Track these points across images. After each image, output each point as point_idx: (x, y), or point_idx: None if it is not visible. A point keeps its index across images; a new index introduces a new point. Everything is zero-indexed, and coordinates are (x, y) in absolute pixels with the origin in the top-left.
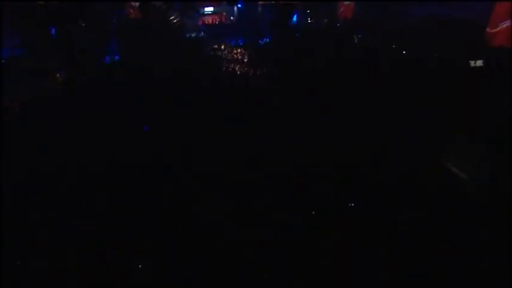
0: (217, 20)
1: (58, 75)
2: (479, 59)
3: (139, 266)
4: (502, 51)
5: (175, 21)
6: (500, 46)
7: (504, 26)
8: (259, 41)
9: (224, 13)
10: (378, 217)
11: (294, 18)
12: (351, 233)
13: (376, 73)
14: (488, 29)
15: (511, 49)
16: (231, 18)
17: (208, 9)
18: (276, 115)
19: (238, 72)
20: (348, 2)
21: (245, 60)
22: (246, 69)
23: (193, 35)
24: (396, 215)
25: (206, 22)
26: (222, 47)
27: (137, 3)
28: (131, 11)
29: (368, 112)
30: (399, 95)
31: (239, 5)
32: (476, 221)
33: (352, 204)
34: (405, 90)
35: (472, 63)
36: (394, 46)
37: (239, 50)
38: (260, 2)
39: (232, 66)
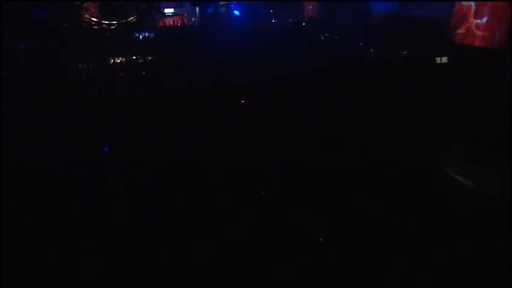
0: (179, 21)
1: None
2: (444, 56)
3: None
4: (466, 49)
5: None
6: (464, 43)
7: (474, 23)
8: None
9: (185, 14)
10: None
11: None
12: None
13: (346, 71)
14: (451, 27)
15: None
16: (193, 19)
17: (169, 10)
18: None
19: None
20: (312, 1)
21: None
22: None
23: None
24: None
25: (168, 24)
26: None
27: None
28: (85, 14)
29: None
30: (374, 94)
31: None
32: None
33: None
34: (379, 89)
35: (438, 60)
36: (361, 44)
37: None
38: (221, 2)
39: None
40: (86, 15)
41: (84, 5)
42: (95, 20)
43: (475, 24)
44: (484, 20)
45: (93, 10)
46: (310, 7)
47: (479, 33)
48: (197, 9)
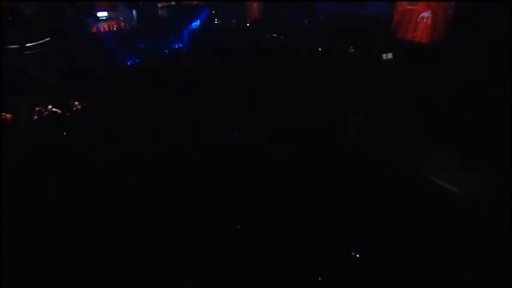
0: (115, 26)
1: None
2: (389, 52)
3: None
4: (408, 45)
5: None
6: (406, 40)
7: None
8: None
9: (121, 18)
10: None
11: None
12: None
13: (298, 72)
14: (392, 25)
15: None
16: (133, 23)
17: (102, 14)
18: None
19: None
20: (256, 2)
21: None
22: None
23: None
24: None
25: (102, 29)
26: None
27: None
28: None
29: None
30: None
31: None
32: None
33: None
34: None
35: (384, 56)
36: (308, 43)
37: None
38: (160, 5)
39: None
40: None
41: None
42: None
43: (415, 21)
44: (423, 16)
45: None
46: (255, 5)
47: (419, 29)
48: (134, 12)
